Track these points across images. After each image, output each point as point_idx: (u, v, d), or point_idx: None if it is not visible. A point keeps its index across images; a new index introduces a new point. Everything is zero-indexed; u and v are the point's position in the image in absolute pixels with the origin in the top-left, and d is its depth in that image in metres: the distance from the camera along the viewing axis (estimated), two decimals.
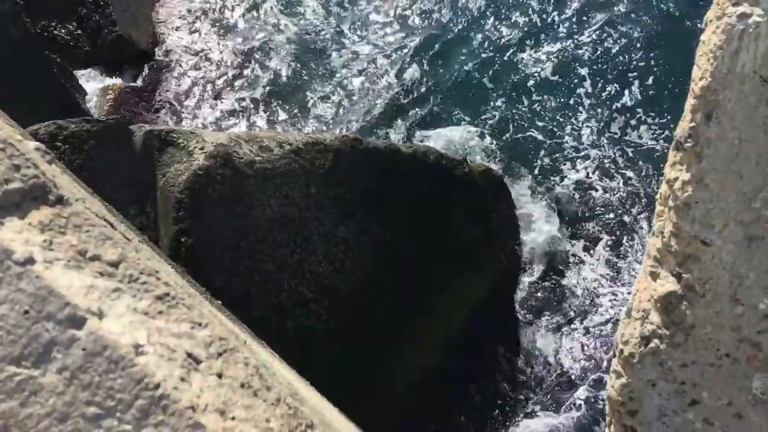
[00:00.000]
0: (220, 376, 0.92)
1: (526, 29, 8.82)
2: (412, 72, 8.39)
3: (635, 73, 8.13)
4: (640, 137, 7.49)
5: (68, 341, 0.84)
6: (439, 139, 7.64)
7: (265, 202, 5.42)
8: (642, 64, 8.22)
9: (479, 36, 8.82)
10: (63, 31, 7.12)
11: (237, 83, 7.89)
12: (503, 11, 9.08)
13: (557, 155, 7.51)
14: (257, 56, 8.25)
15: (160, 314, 0.93)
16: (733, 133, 1.60)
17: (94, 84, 7.12)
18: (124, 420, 0.83)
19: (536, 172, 7.41)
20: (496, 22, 8.95)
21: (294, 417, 0.96)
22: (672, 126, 6.99)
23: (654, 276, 1.85)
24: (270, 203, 5.45)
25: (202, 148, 5.24)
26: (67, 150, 4.93)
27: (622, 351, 1.94)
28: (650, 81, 7.99)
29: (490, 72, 8.34)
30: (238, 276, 5.27)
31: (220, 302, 4.08)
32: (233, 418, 0.88)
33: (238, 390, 0.92)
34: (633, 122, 7.65)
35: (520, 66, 8.38)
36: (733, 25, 1.56)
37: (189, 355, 0.90)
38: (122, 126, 5.26)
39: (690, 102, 1.68)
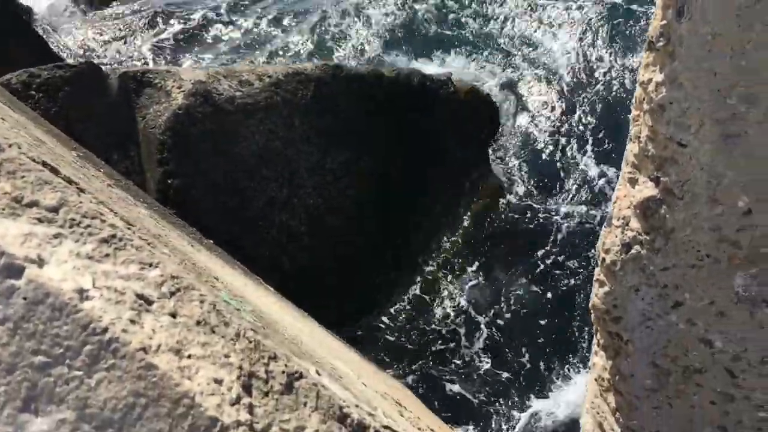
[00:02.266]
0: (173, 315, 0.90)
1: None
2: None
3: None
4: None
5: (7, 291, 0.81)
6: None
7: (250, 137, 5.34)
8: None
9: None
10: None
11: (209, 17, 7.67)
12: None
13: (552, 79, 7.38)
14: None
15: (107, 257, 0.90)
16: (705, 28, 1.53)
17: (62, 28, 6.92)
18: (73, 366, 0.81)
19: (529, 96, 7.29)
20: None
21: (255, 350, 0.94)
22: None
23: (632, 182, 1.82)
24: (254, 138, 5.37)
25: (179, 87, 5.14)
26: (42, 98, 4.83)
27: (604, 260, 1.93)
28: None
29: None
30: (229, 213, 5.26)
31: (211, 241, 4.07)
32: (189, 357, 0.86)
33: (193, 328, 0.90)
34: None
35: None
36: None
37: (139, 296, 0.88)
38: (96, 69, 5.14)
39: None
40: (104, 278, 0.87)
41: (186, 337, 0.88)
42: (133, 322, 0.85)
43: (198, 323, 0.91)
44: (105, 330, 0.82)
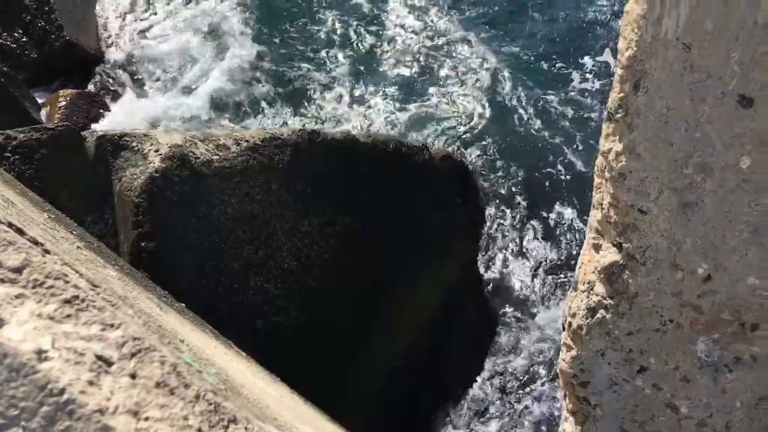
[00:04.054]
0: (133, 376, 0.90)
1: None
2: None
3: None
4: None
5: None
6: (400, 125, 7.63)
7: (226, 201, 5.37)
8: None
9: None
10: (9, 39, 6.96)
11: (189, 79, 7.79)
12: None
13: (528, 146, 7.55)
14: (211, 49, 8.16)
15: (68, 318, 0.90)
16: (660, 102, 1.61)
17: (43, 92, 6.98)
18: (29, 428, 0.80)
19: (502, 160, 7.44)
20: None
21: (215, 413, 0.94)
22: None
23: (596, 248, 1.87)
24: (231, 202, 5.40)
25: (156, 150, 5.17)
26: (17, 161, 4.83)
27: (570, 324, 1.96)
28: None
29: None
30: (204, 277, 5.23)
31: (182, 305, 4.04)
32: (147, 419, 0.86)
33: (153, 389, 0.90)
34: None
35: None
36: None
37: (99, 357, 0.88)
38: (73, 132, 5.17)
39: (618, 73, 1.68)
40: (64, 339, 0.88)
41: (145, 398, 0.88)
42: (91, 383, 0.85)
43: (158, 385, 0.91)
44: (62, 391, 0.82)
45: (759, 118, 1.45)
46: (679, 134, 1.61)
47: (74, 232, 2.99)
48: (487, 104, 7.84)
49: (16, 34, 7.04)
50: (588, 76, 8.05)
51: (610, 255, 1.81)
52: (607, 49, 8.21)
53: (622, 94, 1.68)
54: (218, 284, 5.26)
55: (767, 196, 1.50)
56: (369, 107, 7.89)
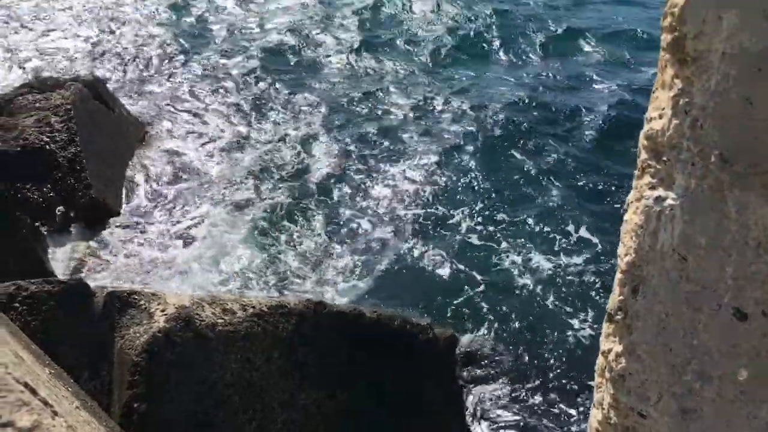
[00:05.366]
0: None
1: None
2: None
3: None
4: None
5: None
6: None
7: (226, 366, 5.32)
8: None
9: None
10: (37, 193, 7.28)
11: (202, 242, 8.00)
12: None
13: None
14: (224, 214, 8.46)
15: None
16: (659, 307, 1.67)
17: (61, 244, 7.18)
18: None
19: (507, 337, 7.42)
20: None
21: None
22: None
23: None
24: (231, 367, 5.35)
25: (163, 310, 5.23)
26: (24, 311, 4.88)
27: None
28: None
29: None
30: None
31: None
32: None
33: None
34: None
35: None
36: (650, 207, 1.68)
37: None
38: (83, 287, 5.26)
39: (618, 276, 1.76)
40: None
41: None
42: None
43: None
44: None
45: (754, 333, 1.50)
46: (677, 340, 1.66)
47: (70, 389, 2.97)
48: (492, 280, 7.94)
49: (45, 189, 7.37)
50: (595, 250, 8.21)
51: None
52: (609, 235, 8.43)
53: (621, 297, 1.74)
54: None
55: (765, 409, 1.52)
56: (374, 277, 8.00)
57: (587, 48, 13.64)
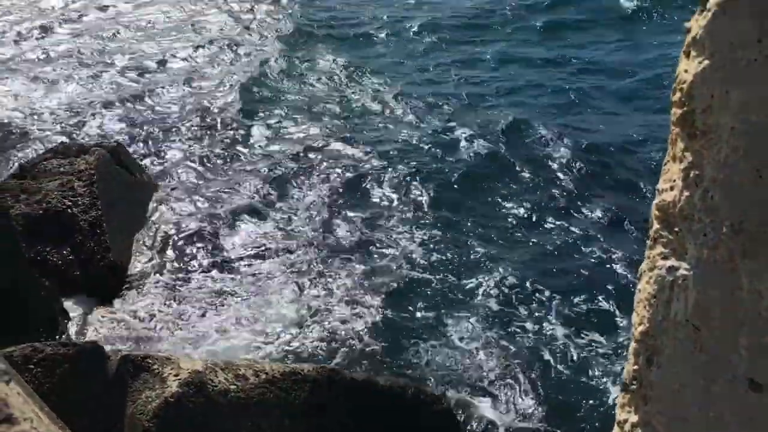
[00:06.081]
0: None
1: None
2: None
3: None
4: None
5: None
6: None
7: None
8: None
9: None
10: (57, 255, 7.37)
11: (218, 307, 8.01)
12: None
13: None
14: (239, 279, 8.49)
15: None
16: (673, 378, 1.66)
17: (78, 306, 7.23)
18: None
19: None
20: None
21: None
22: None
23: None
24: None
25: (176, 375, 5.21)
26: (39, 373, 4.89)
27: None
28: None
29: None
30: None
31: None
32: None
33: None
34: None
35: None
36: (663, 277, 1.69)
37: None
38: (98, 350, 5.27)
39: (632, 345, 1.76)
40: None
41: None
42: None
43: None
44: None
45: None
46: (693, 412, 1.65)
47: None
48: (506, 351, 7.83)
49: (64, 252, 7.46)
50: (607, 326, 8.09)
51: None
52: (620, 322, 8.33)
53: (636, 367, 1.74)
54: None
55: None
56: (390, 347, 7.93)
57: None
